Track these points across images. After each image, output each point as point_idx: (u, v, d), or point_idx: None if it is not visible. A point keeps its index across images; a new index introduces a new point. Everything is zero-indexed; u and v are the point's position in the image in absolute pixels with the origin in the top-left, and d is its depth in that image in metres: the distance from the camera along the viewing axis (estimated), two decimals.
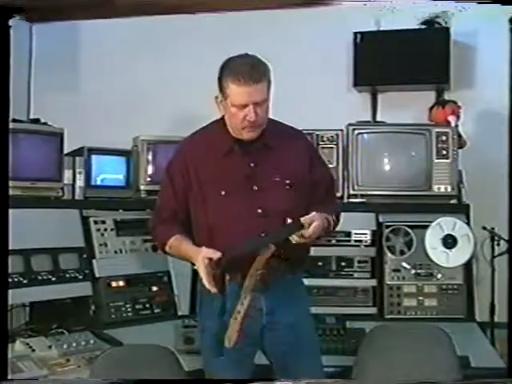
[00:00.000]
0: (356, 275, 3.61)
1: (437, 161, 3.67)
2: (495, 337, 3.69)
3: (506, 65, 2.68)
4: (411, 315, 3.50)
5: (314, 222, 2.29)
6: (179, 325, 3.27)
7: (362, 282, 3.59)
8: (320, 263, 3.59)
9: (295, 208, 2.41)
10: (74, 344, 2.96)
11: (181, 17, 4.68)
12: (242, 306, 2.21)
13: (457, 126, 3.86)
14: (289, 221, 2.31)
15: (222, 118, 2.48)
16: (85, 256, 3.41)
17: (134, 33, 4.78)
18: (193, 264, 2.45)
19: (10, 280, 2.95)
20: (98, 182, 3.87)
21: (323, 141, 3.76)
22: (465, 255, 3.50)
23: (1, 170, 2.35)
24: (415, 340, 2.70)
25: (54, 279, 3.23)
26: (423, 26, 4.34)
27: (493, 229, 3.76)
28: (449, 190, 3.67)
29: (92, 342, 3.03)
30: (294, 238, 2.29)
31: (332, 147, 3.76)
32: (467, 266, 3.55)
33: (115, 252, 3.56)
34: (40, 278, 3.18)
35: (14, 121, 3.29)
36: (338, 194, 3.60)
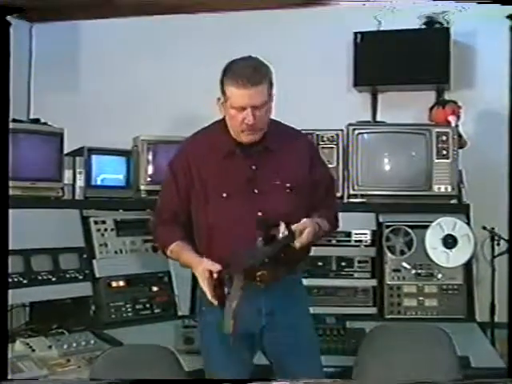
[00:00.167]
0: (356, 275, 3.61)
1: (437, 161, 3.67)
2: (495, 337, 3.68)
3: (506, 65, 2.68)
4: (411, 315, 3.50)
5: (305, 228, 2.29)
6: (179, 325, 3.27)
7: (362, 282, 3.59)
8: (320, 263, 3.59)
9: (295, 211, 2.41)
10: (74, 344, 2.97)
11: (181, 17, 4.68)
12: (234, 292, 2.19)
13: (457, 125, 3.86)
14: (282, 228, 2.28)
15: (224, 120, 2.47)
16: (85, 256, 3.41)
17: (134, 33, 4.78)
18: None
19: (10, 280, 2.95)
20: (98, 182, 3.87)
21: (323, 141, 3.76)
22: (465, 255, 3.50)
23: (1, 170, 2.35)
24: (415, 340, 2.69)
25: (54, 279, 3.23)
26: (423, 26, 4.34)
27: (493, 229, 3.76)
28: (449, 189, 3.67)
29: (92, 342, 3.03)
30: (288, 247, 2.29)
31: (332, 147, 3.76)
32: (467, 266, 3.55)
33: (115, 252, 3.56)
34: (40, 278, 3.18)
35: (14, 121, 3.29)
36: (338, 194, 3.60)
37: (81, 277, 3.34)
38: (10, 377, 2.47)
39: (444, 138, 3.68)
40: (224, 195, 2.42)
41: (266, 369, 2.58)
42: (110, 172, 3.94)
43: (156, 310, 3.56)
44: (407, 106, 4.39)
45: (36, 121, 3.65)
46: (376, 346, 2.71)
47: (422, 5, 4.25)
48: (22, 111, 4.62)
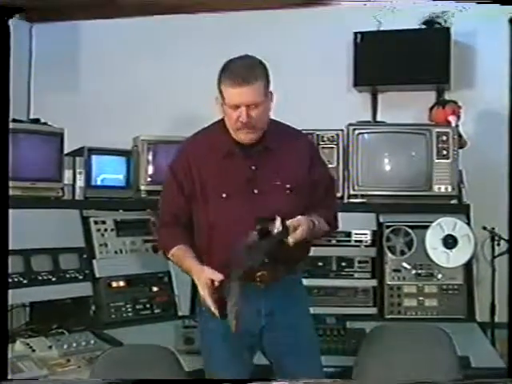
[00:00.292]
0: (356, 275, 3.61)
1: (437, 161, 3.67)
2: (495, 337, 3.68)
3: (507, 65, 2.68)
4: (411, 315, 3.50)
5: (300, 225, 2.29)
6: (179, 325, 3.27)
7: (363, 282, 3.59)
8: (320, 263, 3.59)
9: (295, 211, 2.40)
10: (75, 344, 2.96)
11: (181, 17, 4.68)
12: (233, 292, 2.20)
13: (457, 126, 3.86)
14: (277, 222, 2.28)
15: (223, 120, 2.47)
16: (85, 256, 3.41)
17: (134, 33, 4.78)
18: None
19: (10, 280, 2.95)
20: (99, 182, 3.87)
21: (323, 141, 3.76)
22: (465, 255, 3.50)
23: (1, 170, 2.35)
24: (415, 340, 2.70)
25: (54, 279, 3.23)
26: (423, 26, 4.34)
27: (493, 229, 3.76)
28: (449, 190, 3.67)
29: (92, 342, 3.03)
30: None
31: (332, 147, 3.76)
32: (467, 266, 3.55)
33: (115, 252, 3.56)
34: (40, 278, 3.18)
35: (14, 121, 3.29)
36: (339, 195, 3.60)
37: (81, 277, 3.34)
38: (10, 377, 2.47)
39: (444, 138, 3.68)
40: (224, 195, 2.42)
41: (266, 369, 2.58)
42: (110, 172, 3.94)
43: (156, 310, 3.56)
44: (407, 106, 4.38)
45: (36, 121, 3.65)
46: (376, 346, 2.71)
47: (422, 5, 4.24)
48: (22, 111, 4.62)
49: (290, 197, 2.45)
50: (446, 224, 3.52)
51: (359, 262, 3.61)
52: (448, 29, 4.26)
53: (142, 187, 4.00)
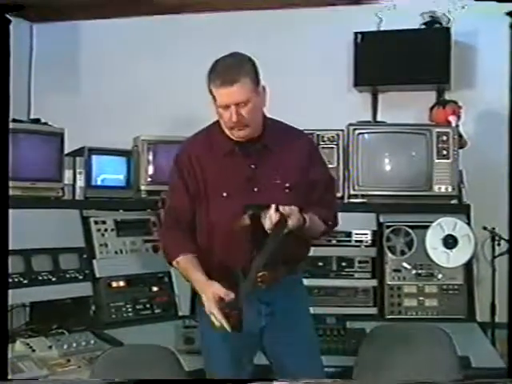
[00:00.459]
0: (356, 275, 3.61)
1: (437, 161, 3.67)
2: (496, 337, 3.68)
3: (507, 65, 2.68)
4: (412, 315, 3.50)
5: (291, 214, 2.28)
6: (180, 325, 3.27)
7: (363, 282, 3.59)
8: (320, 263, 3.59)
9: None
10: (75, 344, 2.96)
11: (181, 17, 4.68)
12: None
13: (457, 126, 3.86)
14: (272, 210, 2.28)
15: None
16: (85, 256, 3.41)
17: (135, 33, 4.78)
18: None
19: (10, 280, 2.95)
20: (99, 182, 3.87)
21: (324, 141, 3.76)
22: (465, 255, 3.50)
23: (1, 170, 2.35)
24: (416, 340, 2.70)
25: (54, 279, 3.23)
26: (423, 26, 4.34)
27: (493, 229, 3.76)
28: (449, 190, 3.67)
29: (92, 342, 3.03)
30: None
31: (332, 147, 3.76)
32: (468, 266, 3.55)
33: (115, 252, 3.56)
34: (40, 278, 3.18)
35: (15, 121, 3.29)
36: (339, 195, 3.60)
37: (81, 277, 3.34)
38: (10, 377, 2.47)
39: (444, 138, 3.68)
40: (224, 194, 2.42)
41: (266, 369, 2.58)
42: (110, 172, 3.94)
43: (156, 310, 3.56)
44: (407, 106, 4.38)
45: (36, 121, 3.65)
46: (376, 347, 2.71)
47: (422, 4, 4.24)
48: (22, 111, 4.62)
49: (290, 195, 2.44)
50: (446, 224, 3.51)
51: (359, 262, 3.61)
52: (448, 29, 4.27)
53: (142, 187, 4.00)
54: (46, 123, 3.61)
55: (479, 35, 4.39)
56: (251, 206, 2.32)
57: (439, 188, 3.66)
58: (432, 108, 4.13)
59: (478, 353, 2.99)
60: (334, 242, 3.58)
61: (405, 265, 3.56)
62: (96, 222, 3.54)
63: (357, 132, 3.72)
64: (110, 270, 3.47)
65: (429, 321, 3.35)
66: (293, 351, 2.49)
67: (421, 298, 3.52)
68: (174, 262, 2.47)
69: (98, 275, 3.42)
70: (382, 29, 4.38)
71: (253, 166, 2.44)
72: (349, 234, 3.60)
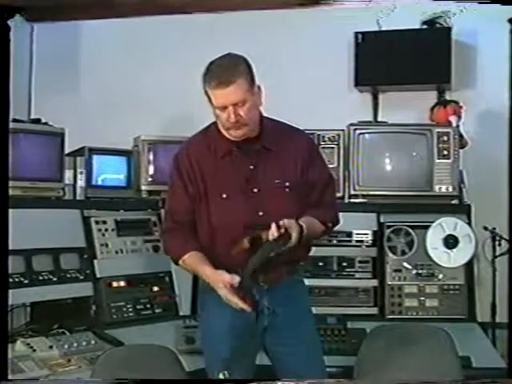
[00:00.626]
0: (357, 275, 3.60)
1: (438, 161, 3.67)
2: (496, 337, 3.68)
3: (508, 65, 2.68)
4: (412, 315, 3.50)
5: (291, 231, 2.28)
6: (180, 325, 3.27)
7: (363, 283, 3.59)
8: (321, 263, 3.59)
9: (295, 210, 2.41)
10: (75, 344, 2.96)
11: (181, 17, 4.68)
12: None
13: (458, 126, 3.86)
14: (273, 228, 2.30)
15: None
16: (86, 256, 3.40)
17: (135, 33, 4.78)
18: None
19: (11, 280, 2.96)
20: (99, 182, 3.87)
21: (324, 141, 3.76)
22: (466, 255, 3.50)
23: (1, 169, 2.35)
24: (416, 340, 2.69)
25: (54, 279, 3.23)
26: (424, 26, 4.34)
27: (494, 229, 3.76)
28: (450, 190, 3.67)
29: (93, 342, 3.02)
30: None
31: (333, 147, 3.76)
32: (468, 266, 3.55)
33: (116, 252, 3.55)
34: (41, 278, 3.18)
35: (15, 121, 3.30)
36: (339, 195, 3.60)
37: (82, 277, 3.34)
38: (10, 377, 2.47)
39: (445, 138, 3.68)
40: (224, 196, 2.42)
41: (267, 369, 2.58)
42: (110, 172, 3.93)
43: (157, 310, 3.55)
44: (408, 106, 4.38)
45: (37, 121, 3.65)
46: (377, 347, 2.71)
47: (423, 5, 4.24)
48: (23, 111, 4.62)
49: (290, 195, 2.45)
50: (446, 224, 3.51)
51: (360, 262, 3.61)
52: (449, 29, 4.27)
53: (143, 187, 4.00)
54: (46, 123, 3.61)
55: (480, 35, 4.39)
56: (252, 227, 2.33)
57: (440, 188, 3.66)
58: (433, 108, 4.13)
59: (479, 353, 2.98)
60: (334, 241, 3.58)
61: (405, 265, 3.55)
62: (97, 222, 3.54)
63: (357, 132, 3.72)
64: (110, 270, 3.47)
65: (429, 321, 3.34)
66: (295, 351, 2.49)
67: (421, 298, 3.52)
68: (181, 261, 2.48)
69: (98, 275, 3.41)
70: (382, 29, 4.38)
71: (251, 167, 2.44)
72: (349, 234, 3.59)
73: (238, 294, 2.26)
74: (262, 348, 2.55)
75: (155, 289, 3.59)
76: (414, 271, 3.55)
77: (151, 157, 4.01)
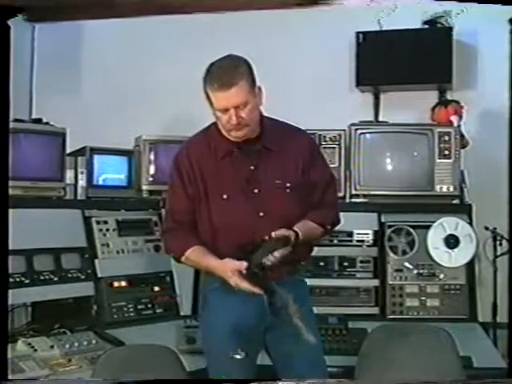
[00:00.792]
0: (358, 275, 3.60)
1: (439, 161, 3.67)
2: (497, 337, 3.68)
3: (508, 65, 2.68)
4: (413, 315, 3.50)
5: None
6: (181, 325, 3.27)
7: (364, 282, 3.59)
8: (322, 263, 3.59)
9: (296, 210, 2.41)
10: (76, 344, 2.96)
11: (181, 17, 4.68)
12: None
13: (459, 125, 3.86)
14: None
15: None
16: (87, 256, 3.40)
17: (136, 33, 4.78)
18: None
19: (11, 280, 2.96)
20: (100, 182, 3.87)
21: (325, 141, 3.76)
22: (467, 255, 3.50)
23: (1, 169, 2.35)
24: (417, 340, 2.69)
25: (56, 279, 3.23)
26: (425, 26, 4.34)
27: (495, 229, 3.76)
28: (451, 189, 3.67)
29: (94, 342, 3.02)
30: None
31: (334, 147, 3.76)
32: (469, 266, 3.55)
33: (117, 252, 3.55)
34: (42, 277, 3.18)
35: (17, 120, 3.30)
36: (340, 194, 3.60)
37: (83, 277, 3.34)
38: (10, 377, 2.47)
39: (446, 137, 3.68)
40: (224, 196, 2.42)
41: (268, 369, 2.57)
42: (111, 172, 3.93)
43: (158, 310, 3.55)
44: (409, 105, 4.38)
45: (38, 121, 3.65)
46: (378, 346, 2.71)
47: (424, 4, 4.24)
48: (24, 111, 4.62)
49: (291, 195, 2.45)
50: (447, 224, 3.51)
51: (361, 262, 3.61)
52: (450, 28, 4.26)
53: (144, 187, 4.00)
54: (47, 123, 3.61)
55: (481, 35, 4.38)
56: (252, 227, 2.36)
57: (441, 188, 3.66)
58: (434, 108, 4.13)
59: (480, 353, 2.98)
60: (335, 241, 3.58)
61: (406, 265, 3.55)
62: (98, 222, 3.54)
63: (359, 132, 3.72)
64: (111, 270, 3.47)
65: (430, 321, 3.34)
66: (296, 351, 2.48)
67: (422, 298, 3.52)
68: (183, 258, 2.48)
69: (99, 275, 3.41)
70: (383, 29, 4.37)
71: (252, 167, 2.44)
72: (350, 234, 3.59)
73: (248, 279, 2.27)
74: (263, 348, 2.55)
75: (156, 289, 3.59)
76: (415, 271, 3.55)
77: (152, 157, 4.01)
